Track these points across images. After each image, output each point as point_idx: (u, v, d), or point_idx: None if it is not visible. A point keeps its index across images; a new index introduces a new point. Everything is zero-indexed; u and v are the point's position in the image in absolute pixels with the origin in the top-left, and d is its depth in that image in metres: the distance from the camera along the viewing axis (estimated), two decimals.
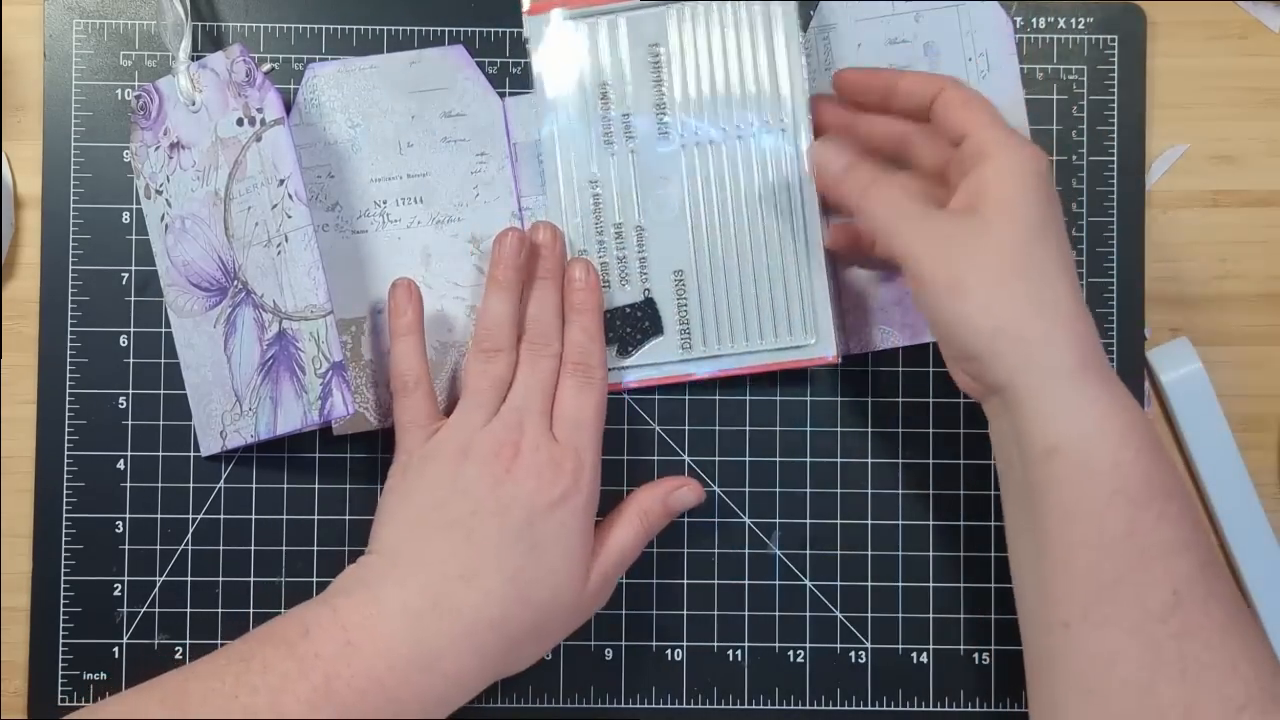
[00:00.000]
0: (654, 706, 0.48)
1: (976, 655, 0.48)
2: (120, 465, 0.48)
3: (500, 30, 0.49)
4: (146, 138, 0.47)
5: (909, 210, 0.40)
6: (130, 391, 0.48)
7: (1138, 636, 0.36)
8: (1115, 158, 0.49)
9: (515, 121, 0.48)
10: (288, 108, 0.47)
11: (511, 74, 0.48)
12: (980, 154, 0.39)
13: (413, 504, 0.42)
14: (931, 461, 0.48)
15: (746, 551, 0.48)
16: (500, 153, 0.48)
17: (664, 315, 0.47)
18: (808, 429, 0.49)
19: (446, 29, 0.48)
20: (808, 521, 0.48)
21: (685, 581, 0.48)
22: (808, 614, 0.48)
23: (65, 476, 0.48)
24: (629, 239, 0.47)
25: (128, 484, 0.48)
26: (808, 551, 0.48)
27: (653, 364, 0.47)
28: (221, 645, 0.47)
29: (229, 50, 0.44)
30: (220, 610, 0.48)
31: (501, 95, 0.48)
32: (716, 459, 0.48)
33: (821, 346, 0.46)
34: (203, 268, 0.46)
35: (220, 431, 0.46)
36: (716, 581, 0.48)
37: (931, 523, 0.48)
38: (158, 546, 0.48)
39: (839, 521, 0.48)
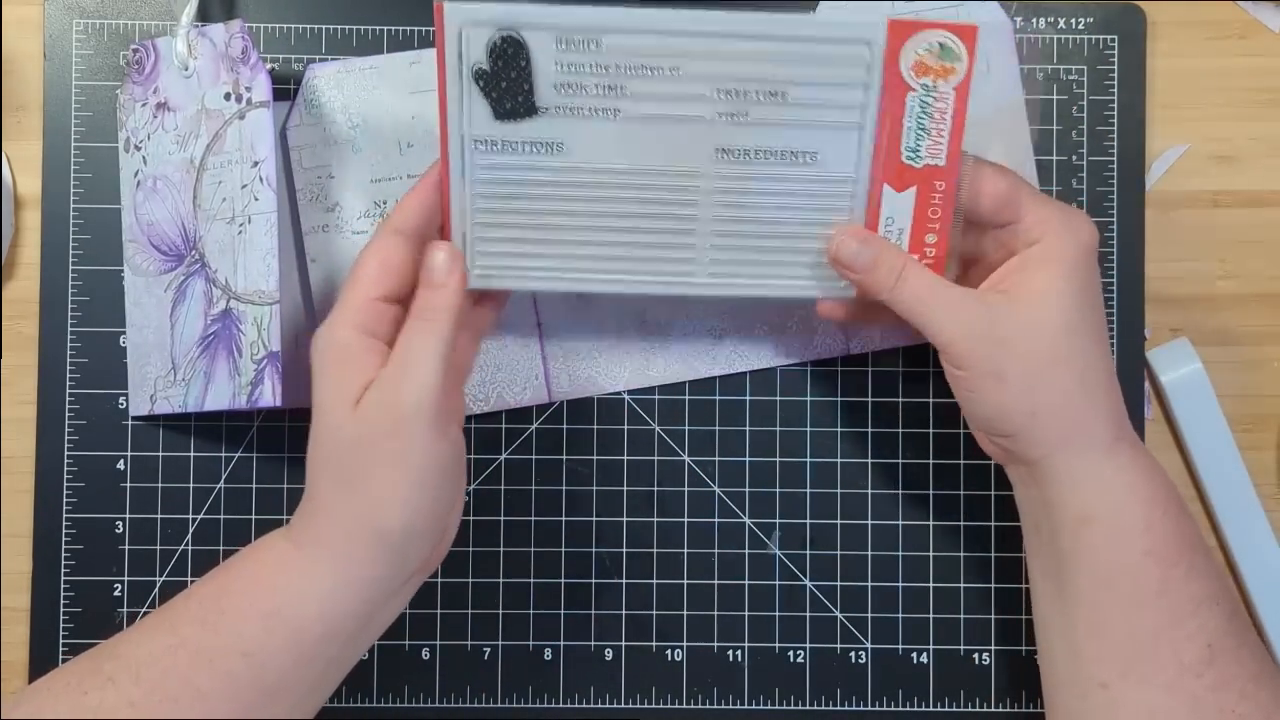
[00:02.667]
0: (654, 706, 0.48)
1: (976, 655, 0.48)
2: (120, 465, 0.48)
3: None
4: (136, 92, 0.47)
5: (946, 298, 0.39)
6: (130, 391, 0.48)
7: (1176, 692, 0.37)
8: (1115, 158, 0.49)
9: None
10: (289, 92, 0.47)
11: None
12: (1028, 239, 0.39)
13: None
14: (932, 461, 0.48)
15: (746, 551, 0.48)
16: None
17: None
18: (808, 429, 0.48)
19: None
20: (808, 521, 0.48)
21: (685, 581, 0.48)
22: (808, 614, 0.48)
23: (65, 476, 0.48)
24: None
25: (128, 484, 0.48)
26: (808, 551, 0.48)
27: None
28: None
29: (229, 24, 0.45)
30: None
31: None
32: (716, 459, 0.48)
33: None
34: (165, 231, 0.46)
35: (150, 395, 0.47)
36: (716, 581, 0.48)
37: (931, 523, 0.48)
38: (158, 546, 0.48)
39: (839, 521, 0.48)
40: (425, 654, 0.48)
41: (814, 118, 0.39)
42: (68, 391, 0.48)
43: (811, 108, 0.39)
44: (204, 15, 0.48)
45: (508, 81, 0.39)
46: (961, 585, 0.48)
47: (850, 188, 0.40)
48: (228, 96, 0.44)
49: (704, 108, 0.39)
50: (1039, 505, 0.40)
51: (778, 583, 0.48)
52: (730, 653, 0.48)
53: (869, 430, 0.49)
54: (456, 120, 0.39)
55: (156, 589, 0.48)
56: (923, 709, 0.48)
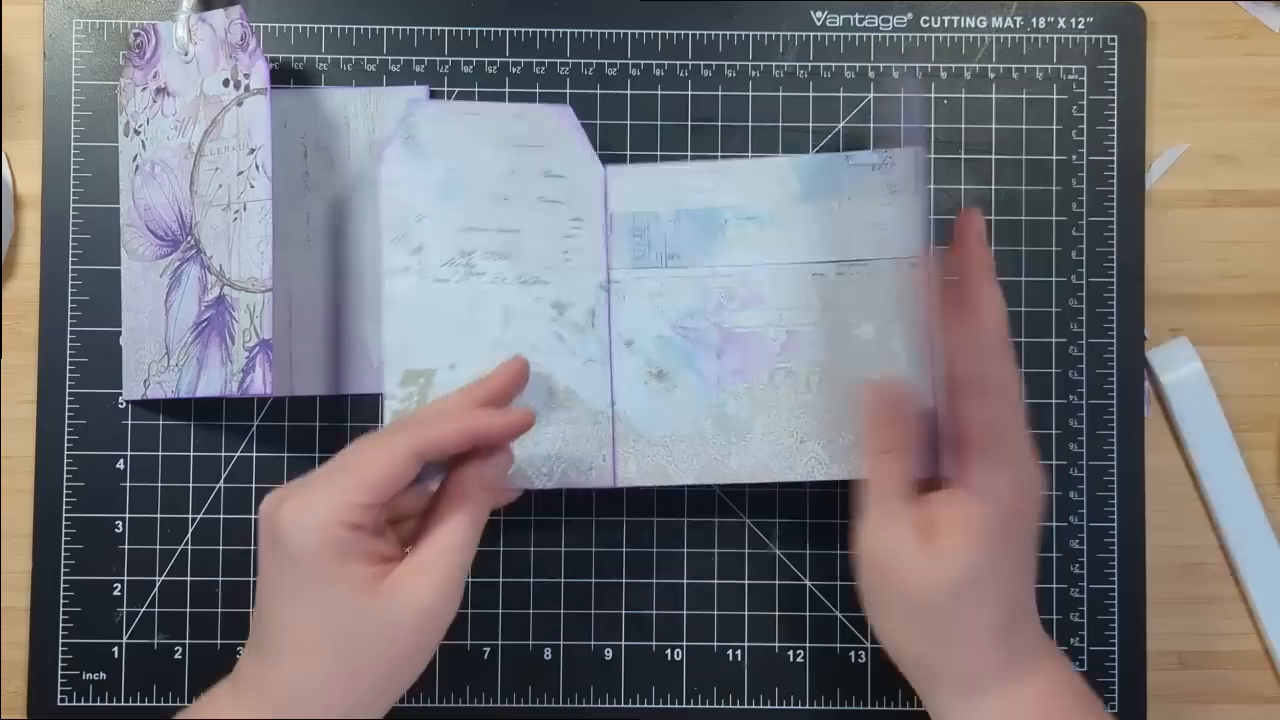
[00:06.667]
0: (654, 706, 0.48)
1: None
2: (120, 465, 0.48)
3: (500, 31, 0.49)
4: (136, 76, 0.47)
5: (890, 508, 0.39)
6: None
7: None
8: (1115, 158, 0.49)
9: (614, 191, 0.46)
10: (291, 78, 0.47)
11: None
12: (962, 484, 0.39)
13: None
14: None
15: (746, 551, 0.48)
16: (596, 221, 0.46)
17: None
18: None
19: (446, 29, 0.48)
20: (808, 521, 0.48)
21: (685, 581, 0.48)
22: (808, 614, 0.48)
23: (65, 476, 0.48)
24: None
25: (128, 484, 0.48)
26: (808, 551, 0.48)
27: None
28: (220, 646, 0.47)
29: (229, 10, 0.45)
30: (220, 610, 0.48)
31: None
32: None
33: None
34: (162, 216, 0.46)
35: (144, 380, 0.47)
36: (716, 581, 0.48)
37: None
38: (157, 546, 0.48)
39: (839, 521, 0.48)
40: None
41: None
42: (67, 391, 0.48)
43: None
44: (205, 7, 0.48)
45: None
46: None
47: None
48: (226, 83, 0.45)
49: None
50: None
51: (778, 583, 0.48)
52: (730, 653, 0.48)
53: None
54: None
55: (156, 588, 0.48)
56: (922, 709, 0.48)
